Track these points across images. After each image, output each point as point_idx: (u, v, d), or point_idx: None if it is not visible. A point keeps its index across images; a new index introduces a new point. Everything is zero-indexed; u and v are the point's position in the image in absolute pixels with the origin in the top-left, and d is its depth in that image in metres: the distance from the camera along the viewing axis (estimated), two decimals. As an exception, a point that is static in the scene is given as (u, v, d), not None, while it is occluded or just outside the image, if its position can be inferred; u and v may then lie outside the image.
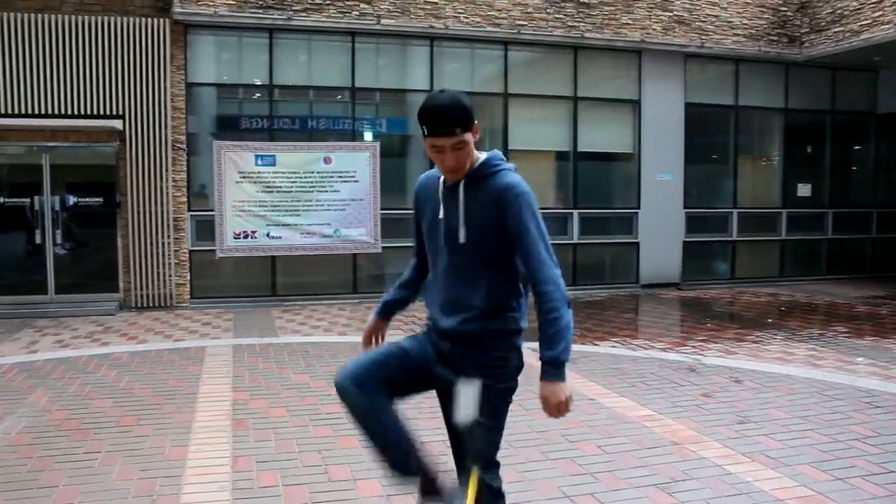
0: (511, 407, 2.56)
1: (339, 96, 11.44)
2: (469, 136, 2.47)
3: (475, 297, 2.56)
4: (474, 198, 2.53)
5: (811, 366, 6.96)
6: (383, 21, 10.81)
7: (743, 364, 6.99)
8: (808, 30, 12.91)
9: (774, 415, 5.31)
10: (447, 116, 2.42)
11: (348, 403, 2.65)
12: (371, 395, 2.62)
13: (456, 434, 2.67)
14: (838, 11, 12.23)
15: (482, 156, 2.58)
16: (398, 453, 2.69)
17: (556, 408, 2.45)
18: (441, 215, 2.61)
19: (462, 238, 2.54)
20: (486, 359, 2.56)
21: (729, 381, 6.31)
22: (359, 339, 3.09)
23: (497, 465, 2.66)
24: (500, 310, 2.57)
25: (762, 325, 9.26)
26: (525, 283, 2.61)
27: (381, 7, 10.78)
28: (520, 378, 2.68)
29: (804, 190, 13.99)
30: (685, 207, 12.97)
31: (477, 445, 2.59)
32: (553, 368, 2.43)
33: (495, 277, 2.56)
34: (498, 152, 2.62)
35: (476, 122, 2.49)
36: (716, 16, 12.52)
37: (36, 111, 9.87)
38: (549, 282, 2.43)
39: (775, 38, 12.93)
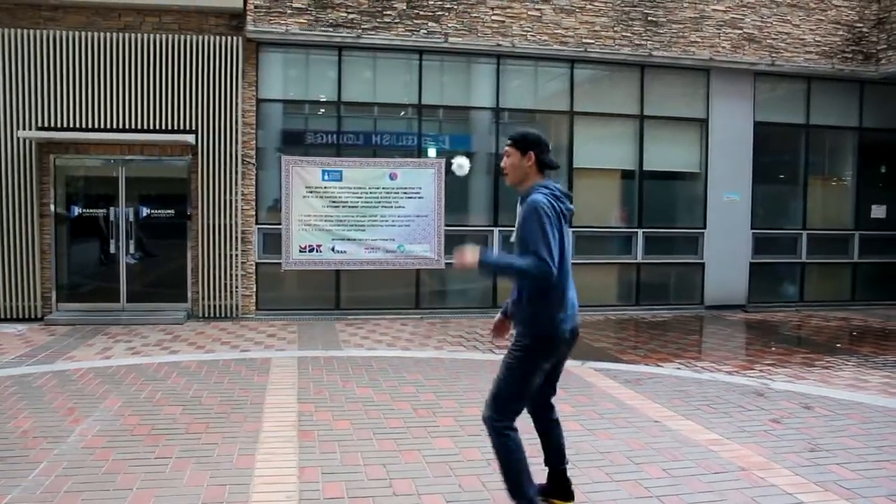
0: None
1: (404, 113, 11.57)
2: (515, 152, 3.71)
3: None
4: (521, 209, 3.63)
5: (887, 394, 6.74)
6: (451, 39, 10.91)
7: (813, 390, 6.80)
8: (885, 46, 12.57)
9: (848, 443, 5.16)
10: (509, 135, 3.79)
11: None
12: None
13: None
14: (917, 28, 11.89)
15: (537, 181, 3.68)
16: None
17: (460, 255, 3.52)
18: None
19: (512, 238, 3.73)
20: (523, 318, 3.64)
21: (799, 406, 6.15)
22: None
23: (505, 416, 3.58)
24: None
25: (833, 350, 9.00)
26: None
27: (449, 25, 10.89)
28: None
29: (878, 212, 13.56)
30: (752, 228, 12.72)
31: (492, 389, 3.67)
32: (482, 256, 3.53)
33: None
34: (549, 181, 3.68)
35: (531, 151, 3.67)
36: (787, 33, 12.29)
37: (114, 126, 10.25)
38: (527, 257, 3.45)
39: (850, 55, 12.62)
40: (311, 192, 10.76)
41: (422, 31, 10.84)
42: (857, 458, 4.83)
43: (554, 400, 3.93)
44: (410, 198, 11.01)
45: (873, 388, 6.99)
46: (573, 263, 3.86)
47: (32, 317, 10.22)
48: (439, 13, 10.86)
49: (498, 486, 4.20)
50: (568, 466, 4.00)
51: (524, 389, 3.60)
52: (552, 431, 3.93)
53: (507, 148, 3.74)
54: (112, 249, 10.57)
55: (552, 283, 3.49)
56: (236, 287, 10.69)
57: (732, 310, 12.45)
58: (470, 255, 3.48)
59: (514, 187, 3.77)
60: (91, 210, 10.60)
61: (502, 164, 3.79)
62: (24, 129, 10.04)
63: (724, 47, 11.99)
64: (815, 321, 11.60)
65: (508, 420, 3.58)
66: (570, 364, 7.95)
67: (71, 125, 10.15)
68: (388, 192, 10.95)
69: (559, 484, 3.96)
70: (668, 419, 5.71)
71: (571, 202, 3.71)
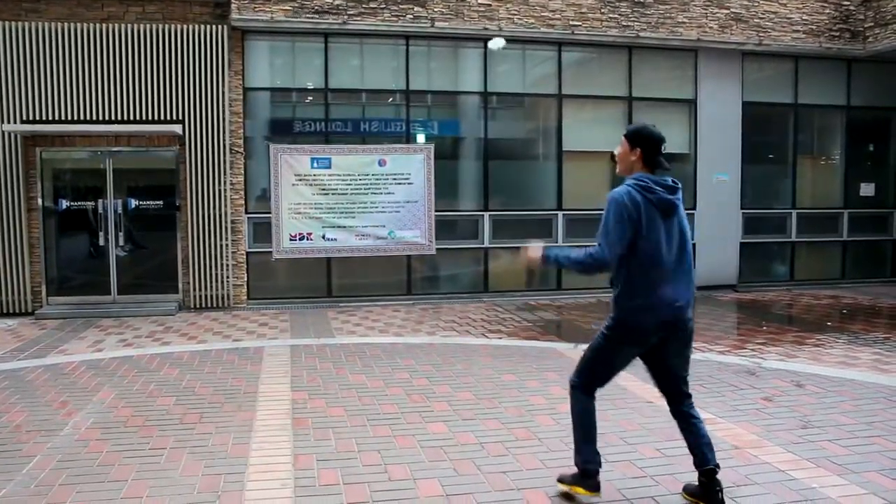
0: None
1: (392, 99, 11.52)
2: (625, 143, 3.77)
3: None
4: None
5: (877, 371, 6.78)
6: (437, 24, 10.86)
7: (804, 368, 6.84)
8: (871, 24, 12.58)
9: (839, 420, 5.19)
10: (627, 127, 3.87)
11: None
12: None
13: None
14: (904, 5, 11.88)
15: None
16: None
17: (525, 252, 3.83)
18: None
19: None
20: (612, 300, 3.78)
21: (790, 385, 6.19)
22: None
23: (580, 378, 3.85)
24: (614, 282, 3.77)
25: (823, 329, 9.05)
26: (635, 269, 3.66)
27: (435, 10, 10.84)
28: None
29: (867, 189, 13.62)
30: (742, 208, 12.75)
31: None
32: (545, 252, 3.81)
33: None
34: (642, 174, 3.72)
35: (638, 147, 3.73)
36: (774, 12, 12.28)
37: (100, 117, 10.17)
38: (592, 247, 3.65)
39: (837, 33, 12.63)
40: (301, 179, 10.73)
41: (408, 16, 10.78)
42: (848, 435, 4.86)
43: (607, 388, 3.98)
44: (400, 184, 10.99)
45: (864, 365, 7.04)
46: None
47: (23, 311, 10.18)
48: (425, -2, 10.81)
49: (492, 470, 4.23)
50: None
51: (596, 363, 3.83)
52: (689, 429, 3.79)
53: (622, 138, 3.81)
54: (101, 242, 10.51)
55: (606, 268, 3.67)
56: (227, 277, 10.66)
57: (723, 290, 12.50)
58: (532, 251, 3.78)
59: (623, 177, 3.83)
60: (79, 203, 10.54)
61: (616, 152, 3.85)
62: (8, 122, 9.96)
63: (711, 27, 11.97)
64: (805, 300, 11.66)
65: (582, 383, 3.84)
66: (562, 347, 8.01)
67: (56, 118, 10.07)
68: (377, 179, 10.92)
69: (706, 486, 3.67)
70: (660, 399, 5.65)
71: (675, 192, 3.76)
